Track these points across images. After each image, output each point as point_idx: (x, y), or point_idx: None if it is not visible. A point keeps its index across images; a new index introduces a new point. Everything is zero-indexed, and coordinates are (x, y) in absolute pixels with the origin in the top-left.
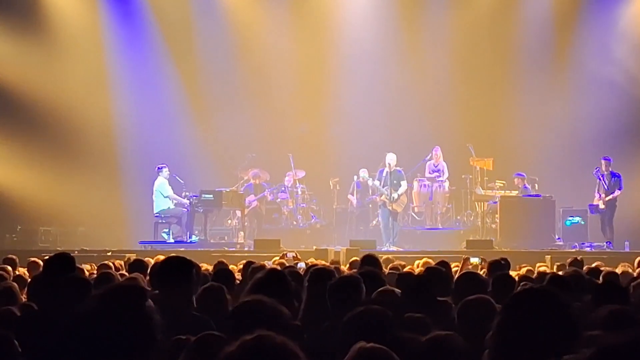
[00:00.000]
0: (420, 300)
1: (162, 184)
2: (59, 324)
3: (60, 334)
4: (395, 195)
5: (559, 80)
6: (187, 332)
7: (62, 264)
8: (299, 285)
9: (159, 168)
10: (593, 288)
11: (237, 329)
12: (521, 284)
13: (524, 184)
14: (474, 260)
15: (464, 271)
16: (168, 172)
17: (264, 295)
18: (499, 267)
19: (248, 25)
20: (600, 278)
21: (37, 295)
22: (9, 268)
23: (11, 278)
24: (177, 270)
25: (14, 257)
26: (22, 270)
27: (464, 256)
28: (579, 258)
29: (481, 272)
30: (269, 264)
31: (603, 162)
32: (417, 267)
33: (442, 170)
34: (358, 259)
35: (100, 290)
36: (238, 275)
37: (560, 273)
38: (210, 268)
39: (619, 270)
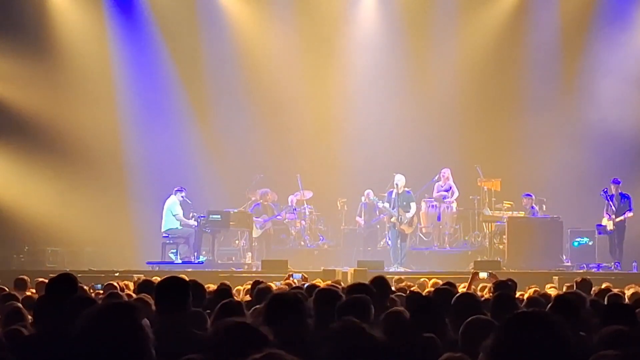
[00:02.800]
0: (430, 321)
1: (174, 203)
2: (57, 344)
3: (55, 353)
4: (407, 216)
5: (566, 101)
6: (187, 351)
7: (65, 284)
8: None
9: (178, 189)
10: (600, 310)
11: None
12: (524, 305)
13: (532, 205)
14: (483, 274)
15: (461, 293)
16: (182, 196)
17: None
18: (503, 288)
19: (258, 46)
20: (606, 300)
21: (41, 316)
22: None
23: (20, 299)
24: (172, 290)
25: (25, 277)
26: (31, 291)
27: (472, 270)
28: (587, 278)
29: (489, 287)
30: (277, 284)
31: (612, 185)
32: (423, 287)
33: (452, 191)
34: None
35: (92, 308)
36: (246, 296)
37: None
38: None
39: (627, 291)
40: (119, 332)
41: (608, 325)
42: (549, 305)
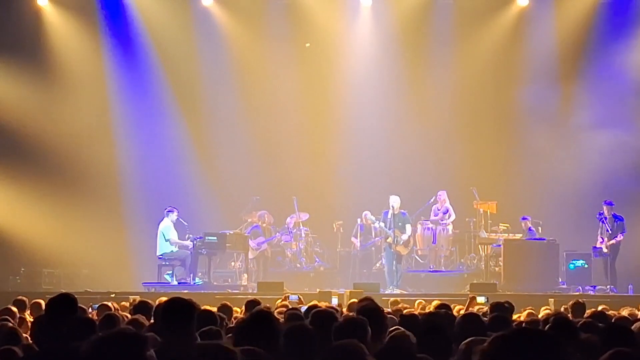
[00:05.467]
0: (433, 344)
1: (167, 226)
2: None
3: None
4: (403, 237)
5: (563, 123)
6: None
7: (64, 305)
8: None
9: (168, 211)
10: (601, 331)
11: None
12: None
13: (530, 227)
14: (481, 299)
15: (466, 312)
16: (176, 217)
17: (249, 335)
18: (500, 309)
19: (253, 68)
20: (613, 321)
21: (40, 337)
22: (14, 309)
23: (16, 320)
24: (179, 312)
25: (24, 298)
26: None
27: (470, 295)
28: (581, 300)
29: (485, 310)
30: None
31: (605, 206)
32: (421, 308)
33: (449, 213)
34: (357, 300)
35: (100, 335)
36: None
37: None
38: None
39: (623, 313)
40: None
41: (610, 346)
42: (548, 325)
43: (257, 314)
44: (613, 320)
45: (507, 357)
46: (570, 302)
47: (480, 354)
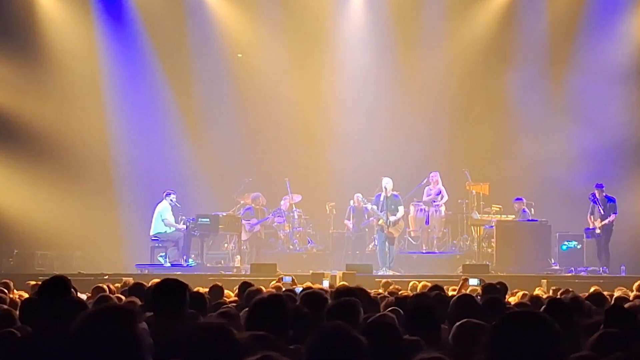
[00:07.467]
0: (421, 325)
1: (165, 208)
2: (52, 346)
3: (51, 355)
4: (392, 219)
5: (555, 104)
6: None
7: (57, 286)
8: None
9: (167, 193)
10: (603, 312)
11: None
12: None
13: (523, 208)
14: (473, 282)
15: (460, 294)
16: (172, 200)
17: (262, 318)
18: (493, 290)
19: (246, 49)
20: (612, 302)
21: (30, 318)
22: (7, 291)
23: (8, 302)
24: (171, 292)
25: (8, 281)
26: (18, 294)
27: (461, 274)
28: (570, 290)
29: (478, 291)
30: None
31: (596, 189)
32: (413, 289)
33: (441, 195)
34: (347, 283)
35: (89, 311)
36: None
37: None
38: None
39: (616, 294)
40: (114, 337)
41: (609, 327)
42: (542, 308)
43: (270, 298)
44: (612, 302)
45: (509, 345)
46: (560, 291)
47: (486, 346)
